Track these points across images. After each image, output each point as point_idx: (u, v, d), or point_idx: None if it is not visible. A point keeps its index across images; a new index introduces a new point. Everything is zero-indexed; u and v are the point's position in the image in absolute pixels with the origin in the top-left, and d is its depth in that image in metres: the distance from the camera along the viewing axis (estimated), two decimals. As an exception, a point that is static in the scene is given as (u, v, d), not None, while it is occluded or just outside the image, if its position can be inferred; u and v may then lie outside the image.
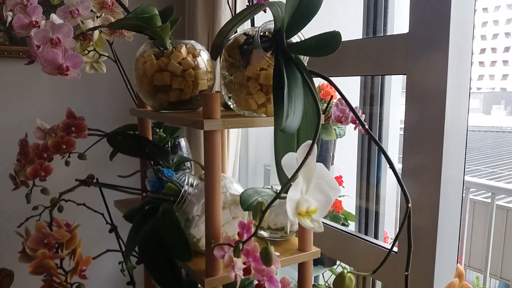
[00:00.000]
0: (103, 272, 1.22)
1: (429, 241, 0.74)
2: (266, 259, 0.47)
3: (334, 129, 1.23)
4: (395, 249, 0.79)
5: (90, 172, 0.75)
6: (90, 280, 1.21)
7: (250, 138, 1.30)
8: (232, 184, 0.73)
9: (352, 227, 1.28)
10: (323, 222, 0.98)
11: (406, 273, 0.50)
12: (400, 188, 0.51)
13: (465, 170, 0.78)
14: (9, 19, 0.67)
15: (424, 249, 0.74)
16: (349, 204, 1.42)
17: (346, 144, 1.48)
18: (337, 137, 1.27)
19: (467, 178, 1.87)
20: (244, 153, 1.35)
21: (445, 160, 0.72)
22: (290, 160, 0.48)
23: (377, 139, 1.03)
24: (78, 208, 0.84)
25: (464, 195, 1.93)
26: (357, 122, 0.73)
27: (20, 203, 0.73)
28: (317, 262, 1.34)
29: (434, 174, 0.73)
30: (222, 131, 0.84)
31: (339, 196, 1.43)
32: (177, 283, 0.64)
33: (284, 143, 0.56)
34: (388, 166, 1.04)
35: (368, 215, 1.01)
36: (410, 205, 0.49)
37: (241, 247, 0.49)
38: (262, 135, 1.33)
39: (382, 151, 0.49)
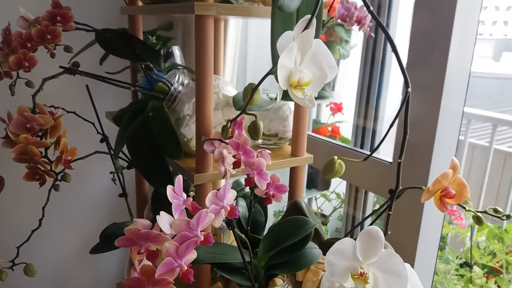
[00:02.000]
0: (96, 187, 1.23)
1: (424, 156, 0.72)
2: (254, 131, 0.45)
3: (338, 49, 1.18)
4: (390, 159, 0.78)
5: (78, 77, 0.71)
6: (83, 194, 1.22)
7: (249, 54, 1.25)
8: (226, 86, 0.70)
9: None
10: (318, 137, 0.96)
11: (399, 160, 0.48)
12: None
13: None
14: None
15: (419, 164, 0.72)
16: (347, 131, 1.40)
17: (349, 69, 1.43)
18: (340, 58, 1.22)
19: (468, 109, 1.83)
20: (242, 71, 1.30)
21: (448, 75, 0.69)
22: (286, 39, 0.44)
23: (381, 51, 0.99)
24: (68, 120, 0.81)
25: (464, 132, 1.91)
26: (362, 22, 0.69)
27: (6, 99, 0.70)
28: (311, 185, 1.35)
29: (435, 90, 0.70)
30: (218, 31, 0.80)
31: (337, 122, 1.41)
32: (167, 180, 0.63)
33: (281, 27, 0.51)
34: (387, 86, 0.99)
35: (364, 133, 0.98)
36: (409, 89, 0.46)
37: (229, 125, 0.47)
38: (261, 51, 1.27)
39: (386, 34, 0.45)
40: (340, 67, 1.39)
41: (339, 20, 0.70)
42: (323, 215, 1.43)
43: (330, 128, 1.35)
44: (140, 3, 0.77)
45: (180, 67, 0.78)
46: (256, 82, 0.46)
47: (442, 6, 0.67)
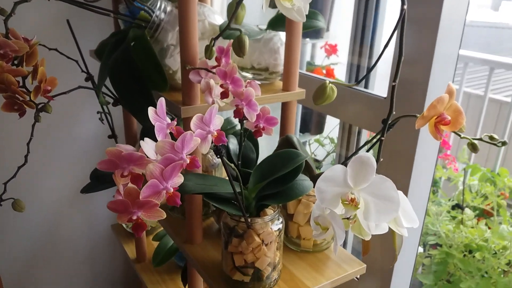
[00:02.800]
0: (85, 130, 1.20)
1: (419, 94, 0.70)
2: (239, 47, 0.43)
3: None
4: (384, 94, 0.76)
5: (63, 13, 0.66)
6: (72, 137, 1.20)
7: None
8: (213, 14, 0.66)
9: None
10: (311, 75, 0.93)
11: (394, 83, 0.46)
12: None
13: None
14: None
15: (414, 100, 0.70)
16: (342, 74, 1.37)
17: (342, 8, 1.38)
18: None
19: (465, 52, 1.79)
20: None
21: (445, 12, 0.65)
22: None
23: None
24: (50, 58, 0.77)
25: (459, 82, 1.87)
26: None
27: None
28: (304, 129, 1.34)
29: (431, 26, 0.66)
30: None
31: (332, 64, 1.37)
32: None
33: None
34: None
35: (359, 72, 0.96)
36: (405, 6, 0.43)
37: (213, 44, 0.44)
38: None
39: None
40: (334, 7, 1.33)
41: None
42: (317, 160, 1.43)
43: (324, 71, 1.32)
44: None
45: None
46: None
47: None
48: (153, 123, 0.39)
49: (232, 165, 0.51)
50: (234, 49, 0.44)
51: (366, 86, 0.95)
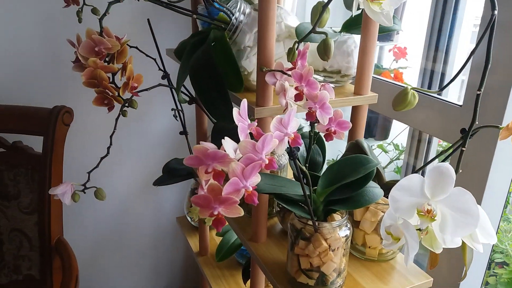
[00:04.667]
0: (158, 125, 1.27)
1: (499, 99, 0.66)
2: (324, 51, 0.43)
3: (407, -14, 1.08)
4: (460, 102, 0.72)
5: (142, 12, 0.70)
6: (145, 132, 1.27)
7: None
8: (288, 15, 0.67)
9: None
10: (381, 79, 0.91)
11: (478, 92, 0.44)
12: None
13: None
14: None
15: (494, 106, 0.66)
16: (411, 78, 1.32)
17: (416, 11, 1.33)
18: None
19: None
20: (302, 2, 1.24)
21: None
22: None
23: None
24: (131, 54, 0.82)
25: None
26: None
27: (74, 33, 0.72)
28: (368, 135, 1.31)
29: None
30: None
31: (401, 68, 1.33)
32: (228, 111, 0.62)
33: None
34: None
35: (432, 77, 0.92)
36: (496, 12, 0.41)
37: (296, 47, 0.45)
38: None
39: None
40: (406, 8, 1.29)
41: None
42: (378, 165, 1.39)
43: (392, 74, 1.28)
44: None
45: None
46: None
47: None
48: (236, 123, 0.41)
49: (304, 167, 0.51)
50: (319, 52, 0.45)
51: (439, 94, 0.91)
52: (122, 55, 0.57)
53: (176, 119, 0.95)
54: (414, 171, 0.55)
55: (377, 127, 1.29)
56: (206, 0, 0.73)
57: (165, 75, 0.93)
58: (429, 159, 0.98)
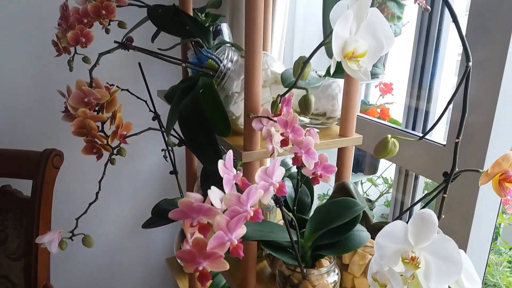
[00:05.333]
0: (148, 165, 1.27)
1: (481, 138, 0.68)
2: (305, 106, 0.45)
3: (390, 26, 1.12)
4: (443, 141, 0.74)
5: (133, 55, 0.72)
6: (135, 171, 1.28)
7: (296, 30, 1.22)
8: (274, 62, 0.69)
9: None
10: (367, 118, 0.93)
11: (457, 140, 0.46)
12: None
13: None
14: None
15: (475, 146, 0.68)
16: (397, 113, 1.35)
17: (400, 48, 1.37)
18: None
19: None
20: (289, 48, 1.28)
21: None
22: (340, 10, 0.43)
23: (437, 24, 0.94)
24: (121, 98, 0.84)
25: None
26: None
27: (65, 78, 0.73)
28: (357, 169, 1.32)
29: (496, 67, 0.65)
30: (266, 8, 0.78)
31: (387, 103, 1.36)
32: (216, 156, 0.63)
33: None
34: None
35: (417, 115, 0.94)
36: (470, 63, 0.43)
37: (279, 100, 0.46)
38: (308, 32, 1.25)
39: (446, 4, 0.43)
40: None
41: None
42: (369, 200, 1.40)
43: (379, 110, 1.31)
44: (190, -20, 0.77)
45: (229, 44, 0.78)
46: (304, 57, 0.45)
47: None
48: (221, 175, 0.42)
49: (290, 214, 0.52)
50: (301, 107, 0.46)
51: (423, 131, 0.93)
52: (112, 104, 0.58)
53: (166, 160, 0.95)
54: (399, 215, 0.56)
55: (366, 162, 1.30)
56: (195, 46, 0.75)
57: (156, 117, 0.94)
58: (416, 194, 0.99)
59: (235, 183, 0.44)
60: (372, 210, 1.38)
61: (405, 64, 1.10)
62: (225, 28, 0.94)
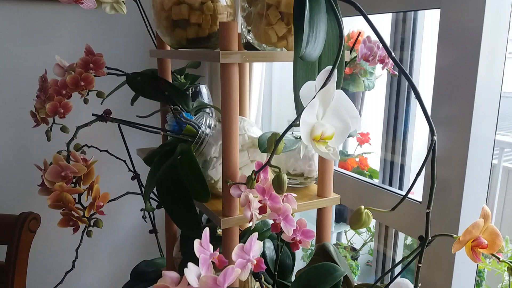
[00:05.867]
0: (126, 223, 1.25)
1: (455, 194, 0.70)
2: (278, 186, 0.46)
3: (363, 81, 1.17)
4: (419, 198, 0.76)
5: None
6: (113, 230, 1.25)
7: (274, 92, 1.26)
8: (251, 127, 0.71)
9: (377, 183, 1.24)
10: (346, 173, 0.95)
11: (428, 210, 0.47)
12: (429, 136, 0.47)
13: (501, 135, 0.73)
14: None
15: (450, 203, 0.70)
16: (375, 162, 1.38)
17: (375, 99, 1.42)
18: (365, 89, 1.22)
19: (501, 138, 1.76)
20: (267, 111, 1.32)
21: (477, 108, 0.68)
22: (308, 89, 0.45)
23: (406, 87, 0.98)
24: (101, 157, 0.85)
25: (496, 161, 1.84)
26: (385, 61, 0.69)
27: (43, 144, 0.73)
28: (340, 219, 1.33)
29: (464, 124, 0.68)
30: (242, 73, 0.81)
31: (365, 153, 1.39)
32: (194, 223, 0.63)
33: (303, 75, 0.52)
34: (415, 118, 0.98)
35: (393, 168, 0.97)
36: (435, 137, 0.45)
37: (254, 177, 0.47)
38: (285, 90, 1.29)
39: (410, 82, 0.45)
40: (366, 97, 1.38)
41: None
42: (353, 249, 1.40)
43: (357, 159, 1.34)
44: (168, 48, 0.80)
45: (207, 109, 0.80)
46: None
47: (467, 39, 0.66)
48: (197, 255, 0.42)
49: (271, 284, 0.52)
50: (274, 186, 0.48)
51: (400, 187, 0.95)
52: (89, 176, 0.58)
53: (145, 220, 0.94)
54: (380, 277, 0.56)
55: (348, 212, 1.31)
56: (174, 110, 0.77)
57: (135, 176, 0.94)
58: (397, 246, 1.00)
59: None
60: (356, 259, 1.38)
61: (380, 114, 1.14)
62: (204, 89, 0.97)
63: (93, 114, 0.67)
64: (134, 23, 1.19)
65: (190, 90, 0.97)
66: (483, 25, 0.65)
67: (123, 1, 0.85)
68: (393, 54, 0.48)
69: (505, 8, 0.66)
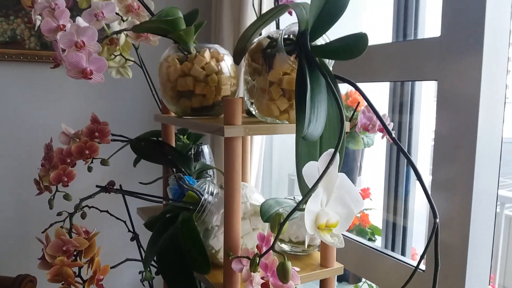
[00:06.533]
0: (124, 281, 1.22)
1: (459, 259, 0.69)
2: (283, 275, 0.45)
3: (362, 138, 1.19)
4: (423, 267, 0.75)
5: (113, 178, 0.75)
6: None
7: (274, 146, 1.28)
8: (253, 193, 0.71)
9: (379, 242, 1.23)
10: (347, 237, 0.94)
11: (436, 291, 0.46)
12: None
13: (501, 184, 0.74)
14: (38, 23, 0.67)
15: (454, 269, 0.69)
16: (377, 218, 1.37)
17: (375, 153, 1.43)
18: (365, 147, 1.23)
19: (503, 192, 1.77)
20: (268, 161, 1.33)
21: (477, 173, 0.68)
22: (311, 169, 0.46)
23: (406, 149, 0.99)
24: (101, 215, 0.84)
25: (499, 210, 1.84)
26: (385, 130, 0.70)
27: (44, 208, 0.73)
28: (342, 279, 1.30)
29: (465, 188, 0.68)
30: (244, 137, 0.83)
31: (366, 209, 1.38)
32: (194, 295, 0.62)
33: (305, 151, 0.53)
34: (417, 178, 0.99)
35: (395, 230, 0.96)
36: (438, 220, 0.46)
37: (257, 261, 0.47)
38: (286, 143, 1.31)
39: (409, 162, 0.46)
40: (365, 154, 1.39)
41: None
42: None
43: (359, 215, 1.33)
44: (173, 113, 0.82)
45: (209, 176, 0.81)
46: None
47: (465, 107, 0.67)
48: None
49: None
50: (278, 274, 0.47)
51: (403, 252, 0.94)
52: (90, 249, 0.58)
53: (143, 284, 0.92)
54: None
55: (350, 272, 1.29)
56: (177, 177, 0.78)
57: (134, 237, 0.93)
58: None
59: None
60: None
61: (381, 171, 1.14)
62: (206, 148, 0.98)
63: (97, 186, 0.67)
64: (139, 86, 1.22)
65: (192, 150, 0.98)
66: (480, 93, 0.66)
67: (128, 66, 0.89)
68: (392, 135, 0.49)
69: (501, 75, 0.68)
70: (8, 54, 1.08)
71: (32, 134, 1.16)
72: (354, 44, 0.47)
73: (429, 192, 0.47)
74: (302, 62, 0.51)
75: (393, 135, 0.47)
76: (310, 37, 0.53)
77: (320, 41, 0.56)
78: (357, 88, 0.51)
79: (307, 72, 0.50)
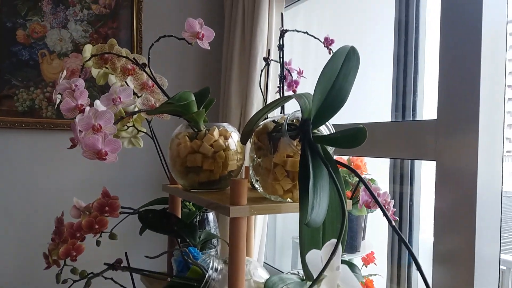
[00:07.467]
0: None
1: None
2: None
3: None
4: None
5: (119, 248, 0.76)
6: None
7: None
8: (256, 270, 0.72)
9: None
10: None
11: None
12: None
13: (505, 246, 0.74)
14: (58, 101, 0.72)
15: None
16: (382, 284, 1.35)
17: (377, 219, 1.44)
18: (368, 213, 1.24)
19: (507, 257, 1.73)
20: (272, 224, 1.33)
21: (478, 245, 0.69)
22: (314, 257, 0.47)
23: (408, 219, 1.01)
24: (106, 282, 0.84)
25: (504, 274, 1.79)
26: (386, 208, 0.72)
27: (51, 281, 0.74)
28: None
29: (467, 260, 0.69)
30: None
31: (370, 275, 1.36)
32: None
33: (309, 236, 0.55)
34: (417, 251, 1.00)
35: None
36: None
37: None
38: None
39: (406, 247, 0.48)
40: (369, 218, 1.40)
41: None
42: None
43: (363, 280, 1.31)
44: (180, 186, 0.85)
45: (214, 247, 0.82)
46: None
47: (463, 184, 0.69)
48: None
49: None
50: None
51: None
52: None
53: None
54: None
55: None
56: (181, 245, 0.79)
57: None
58: None
59: None
60: None
61: (383, 235, 1.14)
62: (211, 216, 1.00)
63: (105, 263, 0.69)
64: (149, 153, 1.26)
65: (198, 217, 0.99)
66: (477, 170, 0.69)
67: (140, 136, 0.93)
68: (392, 223, 0.51)
69: (498, 153, 0.71)
70: (26, 122, 1.13)
71: (44, 198, 1.19)
72: (353, 136, 0.51)
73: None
74: (305, 148, 0.55)
75: (393, 223, 0.49)
76: (312, 125, 0.57)
77: (323, 127, 0.60)
78: (357, 174, 0.53)
79: (310, 159, 0.53)
